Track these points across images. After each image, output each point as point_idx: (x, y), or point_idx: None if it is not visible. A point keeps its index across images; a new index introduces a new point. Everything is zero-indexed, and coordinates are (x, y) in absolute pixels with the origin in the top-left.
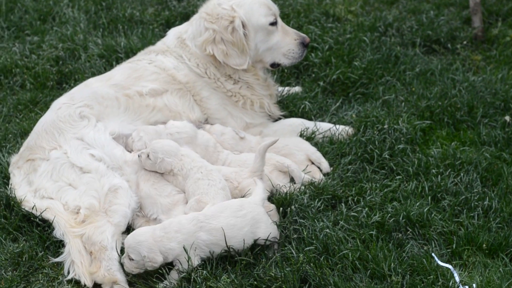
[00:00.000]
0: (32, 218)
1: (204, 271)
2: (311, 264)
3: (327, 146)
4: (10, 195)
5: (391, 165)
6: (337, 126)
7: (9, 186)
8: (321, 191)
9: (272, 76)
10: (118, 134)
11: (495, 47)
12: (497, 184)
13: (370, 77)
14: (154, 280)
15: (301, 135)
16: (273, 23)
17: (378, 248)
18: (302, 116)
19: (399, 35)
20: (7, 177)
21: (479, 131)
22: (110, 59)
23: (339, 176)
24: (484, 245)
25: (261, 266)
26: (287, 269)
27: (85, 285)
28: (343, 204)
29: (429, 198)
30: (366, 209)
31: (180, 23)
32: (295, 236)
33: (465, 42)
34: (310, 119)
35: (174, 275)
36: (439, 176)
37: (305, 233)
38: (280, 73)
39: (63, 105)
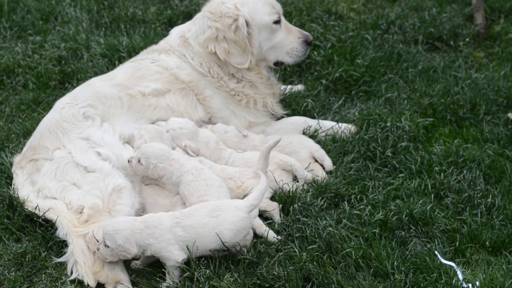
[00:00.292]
0: (35, 218)
1: (207, 270)
2: (314, 263)
3: (329, 144)
4: (13, 195)
5: (394, 163)
6: (340, 124)
7: (12, 186)
8: (324, 189)
9: (275, 74)
10: (129, 136)
11: (498, 44)
12: (500, 181)
13: (373, 75)
14: (158, 279)
15: (304, 133)
16: (277, 22)
17: (381, 246)
18: (304, 114)
19: (402, 33)
20: (10, 177)
21: (482, 128)
22: (112, 59)
23: (342, 174)
24: (487, 243)
25: (264, 265)
26: (290, 267)
27: (88, 285)
28: (346, 202)
29: (432, 195)
30: (369, 207)
31: (183, 22)
32: (298, 234)
33: (467, 39)
34: (313, 117)
35: (175, 273)
36: (442, 173)
37: (308, 232)
38: (283, 72)
39: (67, 105)
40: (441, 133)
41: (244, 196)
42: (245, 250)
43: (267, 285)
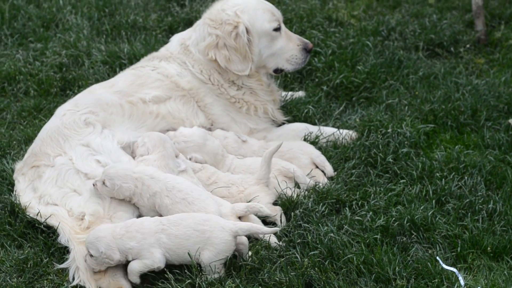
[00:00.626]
0: (36, 225)
1: (209, 276)
2: (316, 269)
3: (331, 151)
4: (15, 201)
5: (395, 169)
6: (341, 130)
7: (14, 192)
8: (325, 196)
9: (276, 81)
10: (127, 143)
11: (498, 50)
12: (501, 187)
13: (374, 81)
14: (159, 284)
15: (305, 140)
16: (277, 29)
17: (382, 252)
18: (305, 120)
19: (402, 39)
20: (11, 184)
21: (483, 134)
22: (113, 66)
23: (343, 180)
24: (488, 248)
25: (266, 271)
26: (291, 273)
27: None
28: (347, 208)
29: (433, 201)
30: (371, 213)
31: (183, 29)
32: (299, 240)
33: (468, 46)
34: (314, 124)
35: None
36: (443, 179)
37: (309, 238)
38: (283, 78)
39: (68, 112)
40: (442, 139)
41: (249, 201)
42: (247, 256)
43: None
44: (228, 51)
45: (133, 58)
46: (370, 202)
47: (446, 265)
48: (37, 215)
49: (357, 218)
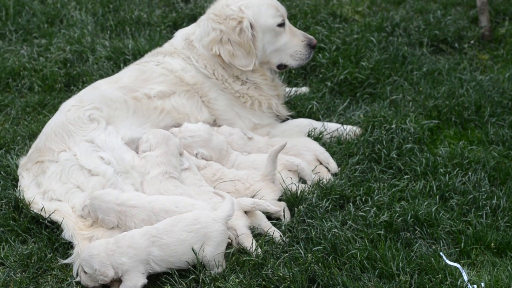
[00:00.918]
0: (41, 220)
1: (213, 272)
2: (320, 264)
3: (334, 146)
4: (19, 197)
5: (399, 165)
6: (345, 126)
7: (18, 188)
8: (329, 191)
9: (280, 76)
10: (131, 139)
11: (503, 46)
12: (505, 183)
13: (378, 77)
14: (163, 280)
15: (308, 136)
16: (281, 25)
17: (386, 248)
18: (309, 116)
19: (406, 35)
20: (16, 179)
21: (487, 130)
22: (117, 61)
23: (347, 176)
24: (492, 244)
25: (269, 266)
26: (295, 269)
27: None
28: (351, 204)
29: (437, 197)
30: (374, 208)
31: (187, 24)
32: (303, 236)
33: (472, 42)
34: (318, 119)
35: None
36: (447, 175)
37: (313, 233)
38: (288, 74)
39: (72, 107)
40: (446, 135)
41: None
42: (252, 250)
43: (272, 286)
44: (232, 46)
45: (138, 54)
46: (374, 198)
47: (450, 260)
48: (41, 210)
49: (360, 213)
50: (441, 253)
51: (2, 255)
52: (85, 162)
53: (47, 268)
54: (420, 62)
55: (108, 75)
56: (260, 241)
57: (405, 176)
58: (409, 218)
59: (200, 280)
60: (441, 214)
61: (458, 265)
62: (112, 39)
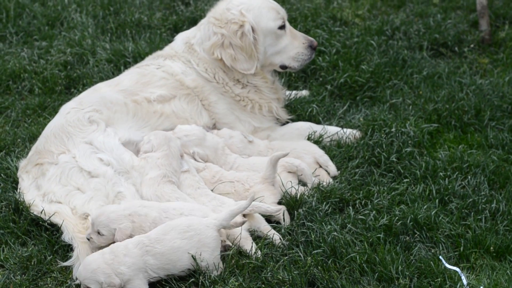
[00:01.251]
0: (40, 222)
1: (212, 274)
2: (319, 267)
3: (334, 150)
4: (19, 199)
5: (399, 168)
6: (345, 129)
7: (18, 190)
8: (328, 194)
9: (280, 79)
10: (128, 140)
11: (502, 50)
12: (504, 187)
13: (378, 81)
14: (163, 283)
15: (308, 139)
16: (282, 27)
17: (385, 251)
18: (309, 119)
19: (406, 39)
20: (15, 182)
21: (487, 134)
22: (118, 64)
23: (347, 180)
24: (491, 248)
25: (269, 269)
26: (294, 272)
27: None
28: (350, 207)
29: (437, 201)
30: (374, 212)
31: (188, 27)
32: (302, 239)
33: (472, 45)
34: (318, 123)
35: None
36: (447, 179)
37: (313, 236)
38: (288, 77)
39: (72, 110)
40: (446, 138)
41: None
42: (251, 253)
43: None
44: (234, 50)
45: (138, 57)
46: (374, 201)
47: (449, 264)
48: (41, 212)
49: (360, 217)
50: (440, 257)
51: (2, 257)
52: (84, 164)
53: (46, 270)
54: (420, 66)
55: (108, 77)
56: (259, 244)
57: (405, 180)
58: (408, 221)
59: (200, 283)
60: (440, 218)
61: (457, 269)
62: (113, 41)
